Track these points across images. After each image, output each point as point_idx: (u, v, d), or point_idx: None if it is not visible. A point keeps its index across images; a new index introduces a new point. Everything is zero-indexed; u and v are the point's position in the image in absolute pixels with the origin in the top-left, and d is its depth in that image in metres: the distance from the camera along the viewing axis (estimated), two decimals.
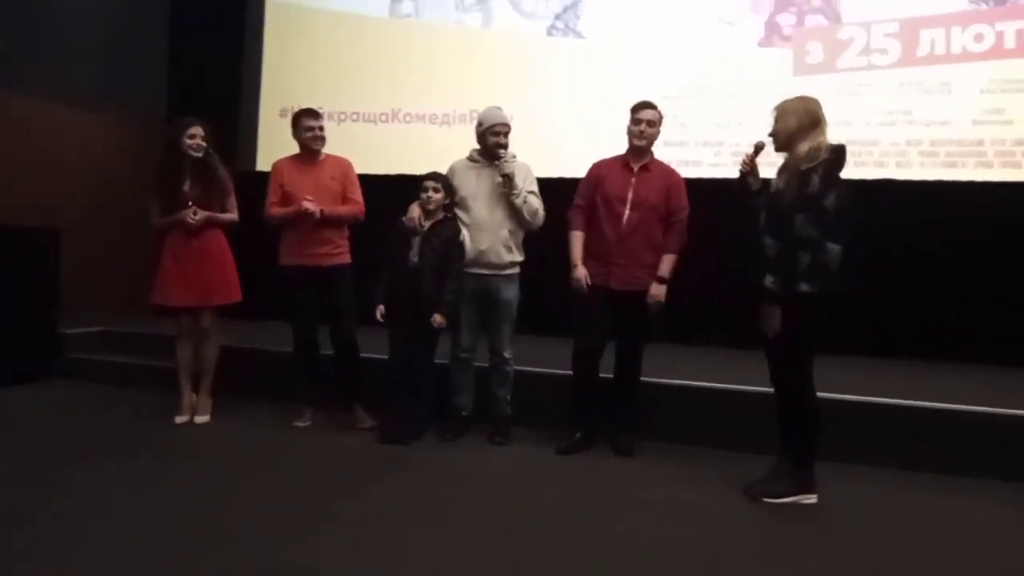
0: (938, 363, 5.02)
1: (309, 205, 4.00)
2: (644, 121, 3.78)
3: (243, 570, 2.42)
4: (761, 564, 2.61)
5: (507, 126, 3.99)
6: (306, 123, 4.16)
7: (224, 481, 3.29)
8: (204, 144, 4.12)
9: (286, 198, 4.14)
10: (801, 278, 3.04)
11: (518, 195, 3.92)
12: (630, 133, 3.83)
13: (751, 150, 3.27)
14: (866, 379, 4.36)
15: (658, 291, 3.75)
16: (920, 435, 3.73)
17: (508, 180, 3.91)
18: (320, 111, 4.27)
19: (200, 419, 4.25)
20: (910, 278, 5.23)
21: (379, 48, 6.40)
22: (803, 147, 3.09)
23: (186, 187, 4.13)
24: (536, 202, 3.98)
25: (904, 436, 3.74)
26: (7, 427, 4.08)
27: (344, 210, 4.18)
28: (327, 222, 4.09)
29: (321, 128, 4.17)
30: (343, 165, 4.26)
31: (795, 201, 3.05)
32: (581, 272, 3.81)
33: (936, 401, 3.80)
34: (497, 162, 3.95)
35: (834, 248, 3.04)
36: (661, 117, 3.84)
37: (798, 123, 3.13)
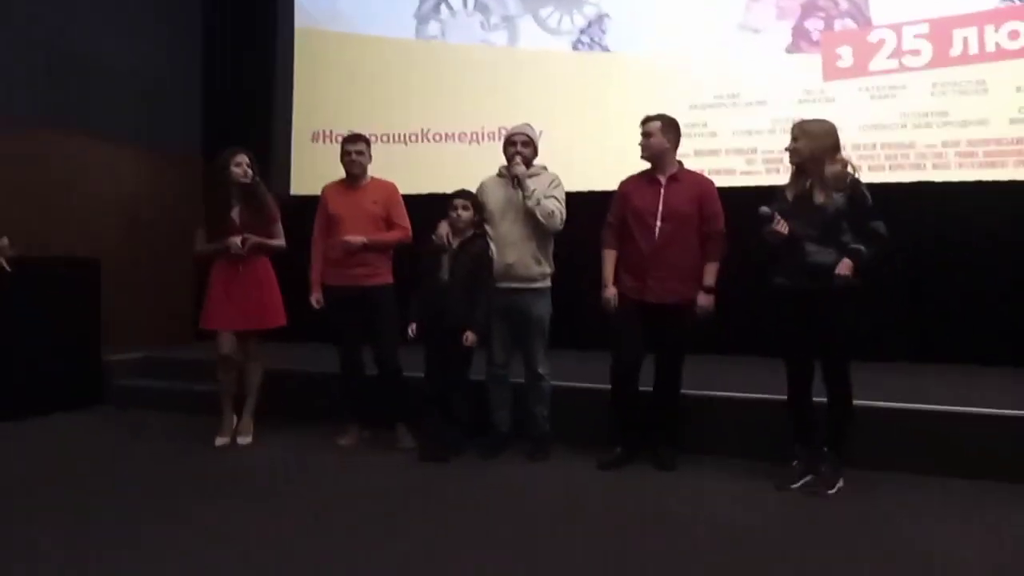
0: (977, 367, 4.89)
1: (352, 241, 4.06)
2: (641, 135, 3.82)
3: None
4: None
5: (523, 135, 4.01)
6: (344, 147, 4.24)
7: (262, 505, 3.31)
8: (251, 171, 4.19)
9: (330, 222, 4.21)
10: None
11: (529, 197, 3.91)
12: None
13: (778, 226, 3.42)
14: (905, 384, 4.25)
15: (706, 301, 3.73)
16: (959, 440, 3.66)
17: (518, 182, 3.92)
18: (363, 135, 4.29)
19: (242, 440, 4.29)
20: (952, 280, 5.11)
21: (407, 70, 6.45)
22: (833, 167, 3.39)
23: (235, 214, 4.20)
24: (551, 204, 3.94)
25: (940, 442, 3.68)
26: (51, 453, 4.14)
27: (389, 237, 4.21)
28: (371, 248, 4.13)
29: (359, 152, 4.20)
30: (387, 189, 4.28)
31: (845, 212, 3.35)
32: (611, 292, 3.84)
33: (975, 406, 3.71)
34: (508, 167, 3.97)
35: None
36: (666, 124, 3.79)
37: (822, 146, 3.41)
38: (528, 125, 4.10)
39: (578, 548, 2.80)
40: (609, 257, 3.90)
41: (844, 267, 3.32)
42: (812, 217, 3.38)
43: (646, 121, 3.84)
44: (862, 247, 3.33)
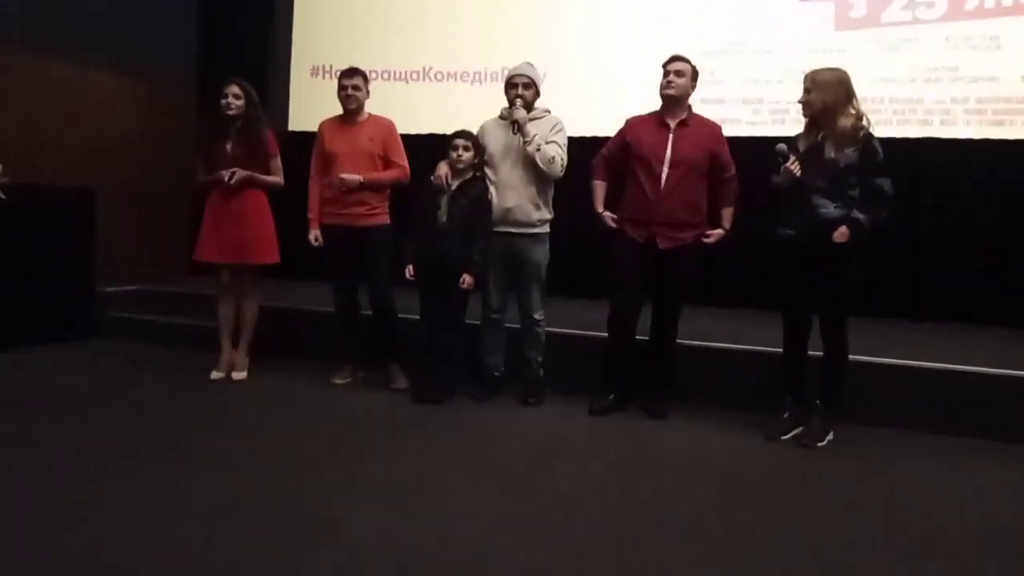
0: (976, 326, 4.91)
1: (347, 179, 4.00)
2: (672, 72, 3.70)
3: (268, 526, 2.44)
4: (790, 526, 2.58)
5: (525, 77, 3.93)
6: (340, 82, 4.14)
7: (255, 437, 3.33)
8: (239, 103, 4.13)
9: (326, 159, 4.15)
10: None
11: (530, 142, 3.85)
12: (660, 86, 3.74)
13: (792, 164, 3.38)
14: (902, 341, 4.28)
15: (717, 236, 3.75)
16: (951, 398, 3.67)
17: (518, 127, 3.85)
18: (360, 69, 4.17)
19: (237, 375, 4.30)
20: (953, 239, 5.10)
21: (410, 5, 6.31)
22: (845, 121, 3.31)
23: (229, 147, 4.14)
24: (552, 150, 3.87)
25: (933, 399, 3.70)
26: (45, 385, 4.15)
27: (386, 175, 4.14)
28: (367, 187, 4.08)
29: (355, 87, 4.10)
30: (384, 126, 4.20)
31: (856, 167, 3.30)
32: (607, 215, 3.83)
33: (970, 365, 3.72)
34: (508, 109, 3.91)
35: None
36: (694, 71, 3.74)
37: (835, 97, 3.33)
38: (530, 65, 4.01)
39: (566, 488, 2.83)
40: (598, 187, 3.89)
41: (840, 235, 3.30)
42: (822, 170, 3.34)
43: (678, 59, 3.73)
44: (861, 217, 3.30)
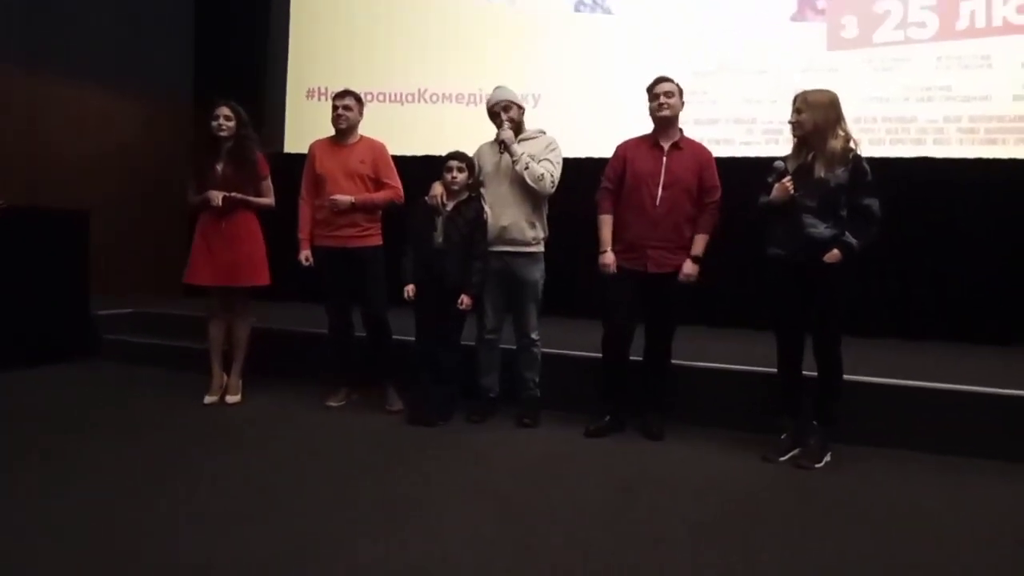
0: (972, 344, 4.91)
1: (340, 200, 4.00)
2: (661, 94, 3.71)
3: (265, 547, 2.42)
4: (789, 547, 2.55)
5: (503, 101, 3.95)
6: (333, 103, 4.14)
7: (251, 459, 3.30)
8: (230, 124, 4.12)
9: (317, 180, 4.14)
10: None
11: (518, 160, 3.86)
12: (650, 111, 3.75)
13: (787, 181, 3.39)
14: (898, 361, 4.27)
15: (692, 269, 3.69)
16: (947, 418, 3.65)
17: (504, 146, 3.87)
18: (353, 91, 4.17)
19: (231, 399, 4.27)
20: (948, 256, 5.11)
21: (405, 27, 6.35)
22: (836, 142, 3.33)
23: (219, 168, 4.14)
24: (540, 168, 3.87)
25: (930, 419, 3.67)
26: (38, 406, 4.12)
27: (378, 196, 4.14)
28: (359, 208, 4.07)
29: (347, 107, 4.10)
30: (375, 148, 4.19)
31: (846, 187, 3.32)
32: (609, 258, 3.78)
33: (966, 384, 3.71)
34: (499, 130, 3.94)
35: None
36: (680, 90, 3.75)
37: (825, 117, 3.35)
38: (502, 88, 4.02)
39: (563, 510, 2.81)
40: (605, 223, 3.84)
41: (832, 257, 3.31)
42: (812, 190, 3.35)
43: (664, 80, 3.73)
44: (853, 241, 3.30)
